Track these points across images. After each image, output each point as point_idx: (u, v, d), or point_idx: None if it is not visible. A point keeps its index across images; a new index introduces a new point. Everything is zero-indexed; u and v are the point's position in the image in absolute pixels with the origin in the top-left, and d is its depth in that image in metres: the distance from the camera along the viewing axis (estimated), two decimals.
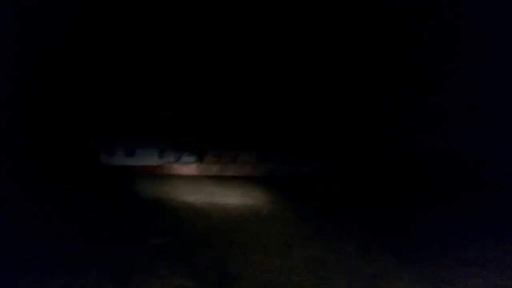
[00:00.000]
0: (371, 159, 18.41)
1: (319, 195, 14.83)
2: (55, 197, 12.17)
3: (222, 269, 6.95)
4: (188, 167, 19.25)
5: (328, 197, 14.47)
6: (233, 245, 8.13)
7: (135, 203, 12.15)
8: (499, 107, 17.56)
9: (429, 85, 18.25)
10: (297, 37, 18.31)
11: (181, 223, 9.87)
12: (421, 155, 17.47)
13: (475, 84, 17.73)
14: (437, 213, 12.06)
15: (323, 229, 9.56)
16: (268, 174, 19.13)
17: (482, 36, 17.48)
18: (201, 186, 15.65)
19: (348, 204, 13.13)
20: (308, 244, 8.29)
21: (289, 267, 7.06)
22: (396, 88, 18.42)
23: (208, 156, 19.47)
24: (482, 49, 17.75)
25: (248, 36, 18.18)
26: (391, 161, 17.86)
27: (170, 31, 18.21)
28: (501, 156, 16.60)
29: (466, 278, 6.79)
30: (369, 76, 18.66)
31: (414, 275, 6.81)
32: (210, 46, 18.45)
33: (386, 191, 15.34)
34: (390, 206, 12.97)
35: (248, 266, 7.04)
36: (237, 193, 14.28)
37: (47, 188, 13.36)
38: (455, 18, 17.46)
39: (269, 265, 7.14)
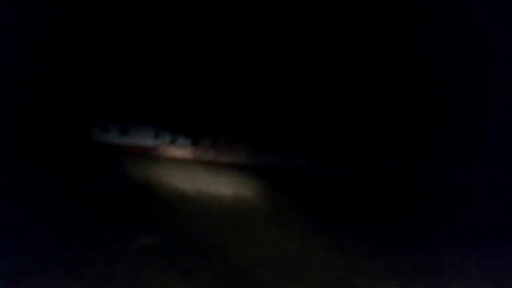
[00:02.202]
0: (358, 162, 16.88)
1: (317, 193, 12.95)
2: (40, 182, 10.02)
3: None
4: (182, 150, 17.22)
5: (327, 196, 12.62)
6: (236, 257, 6.22)
7: (125, 190, 10.07)
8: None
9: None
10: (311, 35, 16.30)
11: (175, 219, 7.90)
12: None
13: None
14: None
15: (338, 239, 7.67)
16: (262, 164, 17.28)
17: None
18: (196, 172, 13.68)
19: (350, 208, 11.26)
20: (326, 259, 6.43)
21: None
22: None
23: (204, 140, 17.46)
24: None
25: (255, 29, 16.07)
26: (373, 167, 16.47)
27: (176, 21, 15.99)
28: None
29: None
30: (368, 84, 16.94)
31: None
32: (213, 35, 16.29)
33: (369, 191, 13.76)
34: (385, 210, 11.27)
35: None
36: (234, 184, 12.34)
37: (33, 170, 11.18)
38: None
39: None
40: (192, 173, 13.44)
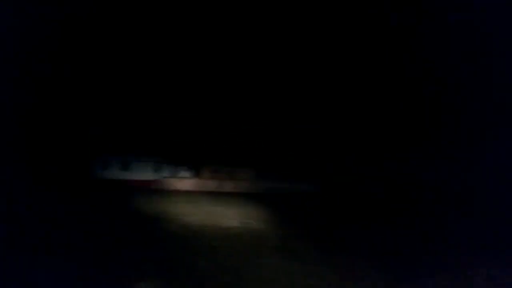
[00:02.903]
0: (358, 182, 16.33)
1: (323, 218, 12.33)
2: (39, 220, 9.47)
3: None
4: (184, 182, 16.73)
5: (335, 221, 12.02)
6: None
7: (126, 227, 9.53)
8: None
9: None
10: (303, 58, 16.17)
11: (180, 257, 7.35)
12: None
13: None
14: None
15: (353, 268, 7.14)
16: (264, 191, 16.75)
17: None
18: (199, 204, 13.12)
19: (360, 233, 10.65)
20: None
21: None
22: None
23: (205, 171, 17.02)
24: None
25: (251, 50, 15.96)
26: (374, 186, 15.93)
27: (170, 47, 15.94)
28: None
29: None
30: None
31: None
32: (209, 61, 16.18)
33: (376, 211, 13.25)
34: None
35: None
36: (238, 214, 11.79)
37: (32, 208, 10.61)
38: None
39: None
40: (195, 204, 12.94)
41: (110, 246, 7.84)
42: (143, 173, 16.18)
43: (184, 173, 16.59)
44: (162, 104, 16.27)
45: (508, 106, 15.33)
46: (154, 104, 16.22)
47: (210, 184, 16.67)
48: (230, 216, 11.35)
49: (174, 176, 16.45)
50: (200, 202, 13.49)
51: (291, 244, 8.83)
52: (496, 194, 13.68)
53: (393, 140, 16.36)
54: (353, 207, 13.75)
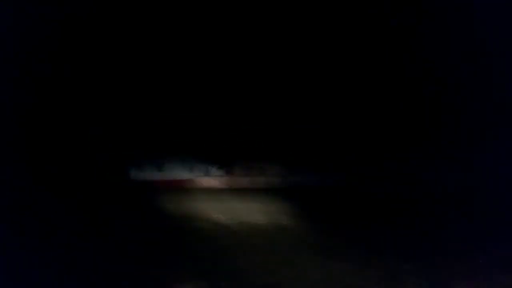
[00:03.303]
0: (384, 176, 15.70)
1: (361, 212, 11.88)
2: (75, 224, 9.67)
3: None
4: (217, 181, 16.74)
5: (372, 218, 11.47)
6: None
7: (162, 228, 9.50)
8: None
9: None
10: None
11: (217, 259, 7.14)
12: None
13: None
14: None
15: (398, 265, 6.71)
16: (296, 185, 16.42)
17: None
18: (233, 202, 13.02)
19: (400, 228, 10.09)
20: None
21: None
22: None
23: (237, 169, 16.93)
24: None
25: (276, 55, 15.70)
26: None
27: (197, 47, 15.89)
28: None
29: None
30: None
31: None
32: (238, 63, 16.02)
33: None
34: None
35: None
36: (271, 210, 11.56)
37: (69, 210, 10.91)
38: None
39: None
40: (228, 203, 12.83)
41: (145, 246, 7.81)
42: (177, 173, 16.30)
43: (217, 171, 16.58)
44: (194, 104, 16.26)
45: (508, 106, 14.51)
46: (185, 104, 16.23)
47: (242, 181, 16.56)
48: (264, 213, 11.14)
49: (207, 175, 16.46)
50: (233, 200, 13.37)
51: (329, 240, 8.52)
52: (496, 194, 12.85)
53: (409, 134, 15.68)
54: (393, 203, 13.16)
